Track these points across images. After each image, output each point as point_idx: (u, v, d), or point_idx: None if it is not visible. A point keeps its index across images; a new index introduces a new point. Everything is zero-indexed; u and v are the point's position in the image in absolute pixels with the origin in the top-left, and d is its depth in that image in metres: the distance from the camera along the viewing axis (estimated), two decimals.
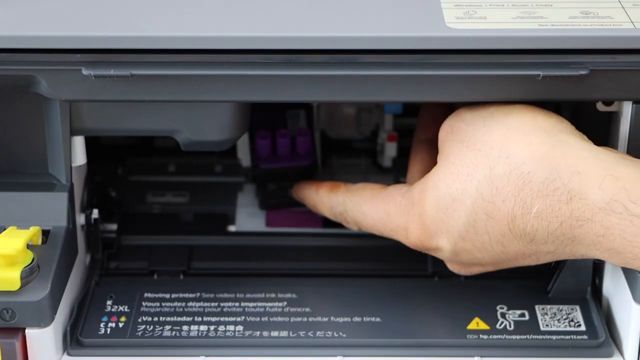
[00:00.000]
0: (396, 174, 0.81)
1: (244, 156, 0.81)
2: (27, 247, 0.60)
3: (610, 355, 0.62)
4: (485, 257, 0.61)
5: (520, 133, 0.58)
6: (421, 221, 0.61)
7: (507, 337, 0.63)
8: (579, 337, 0.63)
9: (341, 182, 0.69)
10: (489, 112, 0.60)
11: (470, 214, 0.59)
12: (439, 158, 0.61)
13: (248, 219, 0.77)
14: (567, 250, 0.58)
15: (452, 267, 0.64)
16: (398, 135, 0.79)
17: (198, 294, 0.67)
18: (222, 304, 0.66)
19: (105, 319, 0.65)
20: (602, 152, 0.57)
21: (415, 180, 0.65)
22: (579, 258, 0.60)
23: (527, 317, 0.65)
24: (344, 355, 0.62)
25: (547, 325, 0.64)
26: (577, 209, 0.55)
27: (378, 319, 0.65)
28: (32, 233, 0.61)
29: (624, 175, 0.55)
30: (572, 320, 0.64)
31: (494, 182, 0.58)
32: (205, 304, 0.66)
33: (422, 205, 0.61)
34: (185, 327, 0.64)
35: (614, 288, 0.64)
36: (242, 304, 0.66)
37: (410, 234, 0.62)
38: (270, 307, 0.66)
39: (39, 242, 0.62)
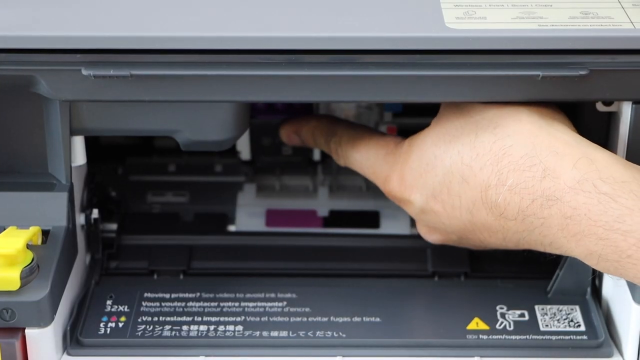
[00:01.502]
0: None
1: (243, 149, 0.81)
2: (27, 247, 0.60)
3: (610, 356, 0.62)
4: (452, 224, 0.62)
5: (514, 111, 0.59)
6: (401, 172, 0.63)
7: (507, 337, 0.63)
8: (578, 337, 0.63)
9: (342, 120, 0.72)
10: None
11: (447, 174, 0.60)
12: (434, 121, 0.63)
13: (248, 218, 0.77)
14: (535, 235, 0.58)
15: (419, 228, 0.66)
16: (397, 129, 0.79)
17: (198, 294, 0.67)
18: (222, 304, 0.66)
19: (105, 318, 0.65)
20: (585, 141, 0.58)
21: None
22: (547, 252, 0.59)
23: (526, 317, 0.65)
24: (343, 356, 0.62)
25: (546, 326, 0.64)
26: (549, 188, 0.56)
27: (378, 319, 0.65)
28: (32, 233, 0.61)
29: (599, 158, 0.56)
30: (571, 321, 0.64)
31: (476, 148, 0.59)
32: (205, 304, 0.66)
33: (406, 157, 0.63)
34: (185, 327, 0.64)
35: (614, 288, 0.64)
36: (242, 303, 0.66)
37: (389, 182, 0.65)
38: (270, 307, 0.66)
39: (39, 242, 0.62)
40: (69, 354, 0.62)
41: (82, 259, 0.68)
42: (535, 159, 0.57)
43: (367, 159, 0.67)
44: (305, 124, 0.72)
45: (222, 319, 0.65)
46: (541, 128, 0.58)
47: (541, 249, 0.59)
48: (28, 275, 0.59)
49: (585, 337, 0.63)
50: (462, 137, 0.60)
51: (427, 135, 0.63)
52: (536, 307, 0.66)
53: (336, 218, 0.77)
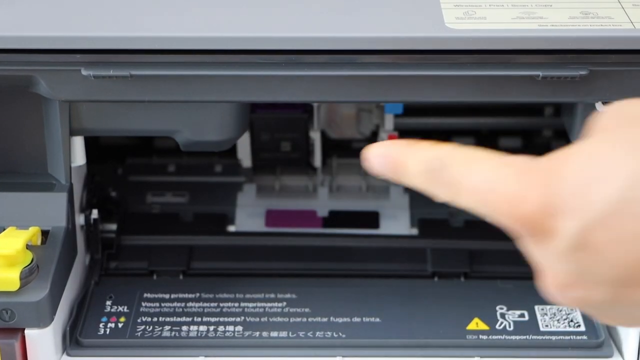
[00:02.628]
0: None
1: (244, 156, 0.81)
2: (27, 248, 0.59)
3: (609, 356, 0.62)
4: (617, 266, 0.42)
5: None
6: (548, 190, 0.43)
7: (507, 337, 0.63)
8: (578, 337, 0.63)
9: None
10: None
11: (628, 189, 0.42)
12: (590, 132, 0.45)
13: (248, 219, 0.77)
14: None
15: (549, 280, 0.45)
16: (398, 135, 0.79)
17: (197, 294, 0.67)
18: (221, 304, 0.66)
19: (104, 319, 0.65)
20: None
21: None
22: None
23: (526, 318, 0.65)
24: (343, 356, 0.62)
25: (546, 326, 0.64)
26: None
27: (378, 319, 0.65)
28: (31, 233, 0.61)
29: None
30: (571, 321, 0.64)
31: None
32: (205, 304, 0.66)
33: (558, 170, 0.44)
34: (184, 328, 0.64)
35: None
36: (242, 304, 0.66)
37: (526, 204, 0.44)
38: (270, 307, 0.66)
39: (39, 242, 0.62)
40: (68, 355, 0.62)
41: (81, 259, 0.68)
42: None
43: (485, 182, 0.46)
44: (390, 149, 0.49)
45: (221, 319, 0.65)
46: None
47: None
48: (27, 276, 0.59)
49: (585, 337, 0.63)
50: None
51: (588, 146, 0.44)
52: (536, 307, 0.66)
53: (336, 218, 0.77)
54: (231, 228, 0.76)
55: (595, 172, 0.42)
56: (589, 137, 0.44)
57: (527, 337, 0.63)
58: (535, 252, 0.44)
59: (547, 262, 0.44)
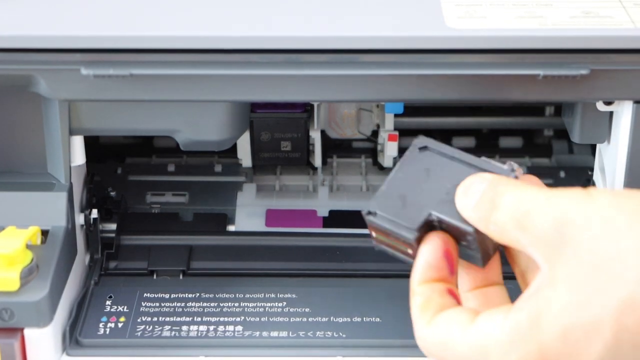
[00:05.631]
0: None
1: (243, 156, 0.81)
2: (26, 247, 0.59)
3: None
4: None
5: None
6: (541, 357, 0.48)
7: None
8: None
9: (429, 300, 0.53)
10: (600, 210, 0.48)
11: (611, 348, 0.47)
12: (551, 278, 0.48)
13: (248, 218, 0.77)
14: None
15: None
16: (399, 134, 0.79)
17: (197, 294, 0.67)
18: (221, 304, 0.66)
19: (104, 319, 0.65)
20: None
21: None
22: None
23: None
24: (343, 356, 0.62)
25: None
26: None
27: (378, 319, 0.65)
28: (31, 233, 0.61)
29: None
30: None
31: (638, 310, 0.46)
32: (205, 304, 0.66)
33: (539, 337, 0.48)
34: (184, 327, 0.64)
35: None
36: (242, 304, 0.66)
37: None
38: (270, 307, 0.66)
39: (38, 242, 0.62)
40: (68, 354, 0.62)
41: (81, 259, 0.68)
42: None
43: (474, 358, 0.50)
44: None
45: (221, 319, 0.65)
46: None
47: None
48: (27, 276, 0.59)
49: None
50: (613, 301, 0.46)
51: (559, 304, 0.48)
52: None
53: (336, 218, 0.77)
54: (231, 228, 0.76)
55: (575, 337, 0.46)
56: (551, 283, 0.47)
57: None
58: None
59: None
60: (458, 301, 0.53)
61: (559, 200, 0.48)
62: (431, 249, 0.53)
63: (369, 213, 0.53)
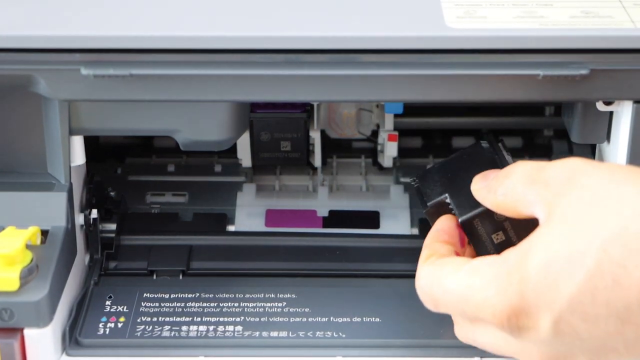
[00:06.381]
0: (396, 173, 0.81)
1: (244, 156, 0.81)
2: (26, 247, 0.59)
3: None
4: (590, 341, 0.49)
5: None
6: (518, 290, 0.49)
7: None
8: None
9: (435, 251, 0.58)
10: (608, 167, 0.51)
11: (592, 278, 0.47)
12: (548, 217, 0.51)
13: (247, 218, 0.77)
14: None
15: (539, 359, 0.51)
16: (398, 134, 0.79)
17: (197, 294, 0.67)
18: (221, 304, 0.66)
19: (104, 319, 0.65)
20: None
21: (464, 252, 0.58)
22: None
23: None
24: (343, 356, 0.62)
25: None
26: None
27: (378, 319, 0.65)
28: (31, 233, 0.61)
29: None
30: None
31: (628, 243, 0.47)
32: (205, 304, 0.66)
33: (523, 269, 0.49)
34: (184, 327, 0.64)
35: None
36: (242, 304, 0.66)
37: (500, 308, 0.50)
38: (270, 307, 0.66)
39: (38, 242, 0.62)
40: (68, 355, 0.62)
41: (81, 259, 0.68)
42: None
43: (461, 295, 0.53)
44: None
45: (221, 319, 0.65)
46: None
47: None
48: (27, 276, 0.59)
49: None
50: (604, 231, 0.47)
51: (549, 237, 0.49)
52: None
53: (336, 218, 0.77)
54: (231, 228, 0.76)
55: (558, 266, 0.48)
56: (547, 222, 0.50)
57: None
58: (523, 342, 0.50)
59: (534, 347, 0.50)
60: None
61: (572, 159, 0.52)
62: (447, 220, 0.60)
63: (413, 180, 0.64)
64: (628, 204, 0.48)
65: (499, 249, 0.59)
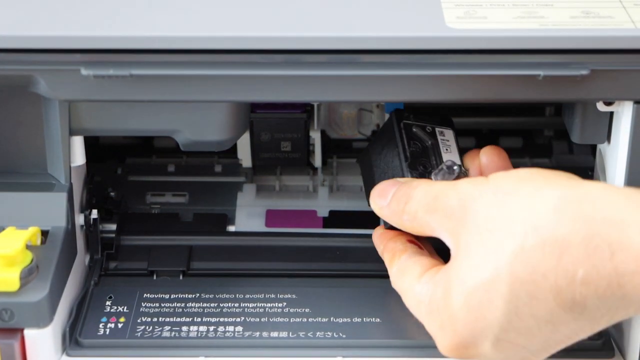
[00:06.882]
0: None
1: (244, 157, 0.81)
2: (26, 248, 0.59)
3: (611, 357, 0.62)
4: (531, 346, 0.54)
5: (540, 198, 0.52)
6: (452, 327, 0.54)
7: None
8: None
9: (397, 250, 0.62)
10: (493, 184, 0.55)
11: (510, 301, 0.52)
12: (456, 249, 0.55)
13: (248, 219, 0.77)
14: (620, 313, 0.52)
15: None
16: None
17: (197, 295, 0.67)
18: (221, 305, 0.66)
19: (104, 319, 0.65)
20: (632, 194, 0.52)
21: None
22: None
23: None
24: (343, 356, 0.62)
25: None
26: (621, 263, 0.49)
27: (378, 320, 0.65)
28: (31, 233, 0.61)
29: None
30: None
31: (529, 259, 0.51)
32: (205, 305, 0.66)
33: (450, 308, 0.54)
34: (184, 328, 0.64)
35: None
36: (242, 304, 0.66)
37: (444, 342, 0.56)
38: (270, 307, 0.66)
39: (38, 242, 0.62)
40: (68, 355, 0.62)
41: (81, 259, 0.68)
42: (596, 238, 0.50)
43: (417, 316, 0.59)
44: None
45: (221, 319, 0.65)
46: (581, 202, 0.51)
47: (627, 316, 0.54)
48: (27, 276, 0.59)
49: (586, 337, 0.63)
50: (505, 256, 0.52)
51: (460, 270, 0.54)
52: None
53: (336, 218, 0.77)
54: (231, 228, 0.76)
55: (477, 299, 0.52)
56: (456, 255, 0.55)
57: None
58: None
59: None
60: (420, 247, 0.62)
61: (462, 184, 0.56)
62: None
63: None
64: (517, 220, 0.52)
65: None
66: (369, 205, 0.64)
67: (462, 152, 0.66)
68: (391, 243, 0.63)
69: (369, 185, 0.67)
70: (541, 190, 0.53)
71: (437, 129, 0.66)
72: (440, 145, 0.65)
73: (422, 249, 0.62)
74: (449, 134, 0.66)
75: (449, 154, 0.64)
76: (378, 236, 0.65)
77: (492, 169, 0.63)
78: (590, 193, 0.52)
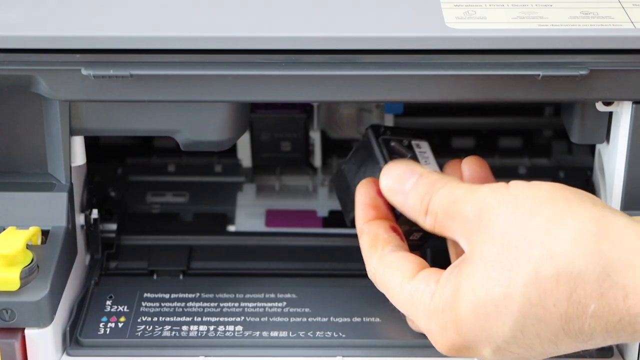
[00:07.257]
0: None
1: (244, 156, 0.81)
2: (27, 247, 0.59)
3: (610, 357, 0.62)
4: (533, 354, 0.55)
5: (560, 226, 0.53)
6: (456, 328, 0.55)
7: None
8: None
9: (376, 237, 0.62)
10: (514, 196, 0.55)
11: (518, 320, 0.53)
12: (470, 255, 0.55)
13: (248, 219, 0.77)
14: (627, 339, 0.53)
15: None
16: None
17: (197, 294, 0.67)
18: (221, 304, 0.66)
19: (104, 319, 0.65)
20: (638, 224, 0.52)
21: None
22: None
23: None
24: (343, 356, 0.62)
25: None
26: (635, 305, 0.50)
27: (377, 319, 0.65)
28: (31, 233, 0.61)
29: None
30: None
31: (542, 285, 0.52)
32: (205, 304, 0.66)
33: (456, 311, 0.55)
34: (184, 327, 0.64)
35: None
36: (242, 304, 0.66)
37: (443, 341, 0.56)
38: (270, 307, 0.66)
39: (39, 242, 0.62)
40: (68, 354, 0.62)
41: (81, 259, 0.68)
42: (612, 278, 0.51)
43: (406, 312, 0.59)
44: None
45: (221, 319, 0.65)
46: (601, 239, 0.52)
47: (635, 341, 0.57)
48: (28, 276, 0.59)
49: None
50: (520, 278, 0.52)
51: (473, 280, 0.54)
52: None
53: (336, 218, 0.77)
54: (231, 228, 0.76)
55: (486, 310, 0.53)
56: (469, 260, 0.55)
57: None
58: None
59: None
60: (401, 237, 0.62)
61: (482, 190, 0.56)
62: (363, 192, 0.63)
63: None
64: (535, 244, 0.52)
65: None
66: (348, 224, 0.66)
67: (456, 155, 0.66)
68: (374, 226, 0.62)
69: (347, 205, 0.67)
70: (563, 218, 0.53)
71: (413, 142, 0.66)
72: (419, 158, 0.65)
73: (403, 241, 0.62)
74: (424, 146, 0.67)
75: (429, 166, 0.65)
76: (362, 208, 0.63)
77: (474, 179, 0.63)
78: (612, 229, 0.52)
